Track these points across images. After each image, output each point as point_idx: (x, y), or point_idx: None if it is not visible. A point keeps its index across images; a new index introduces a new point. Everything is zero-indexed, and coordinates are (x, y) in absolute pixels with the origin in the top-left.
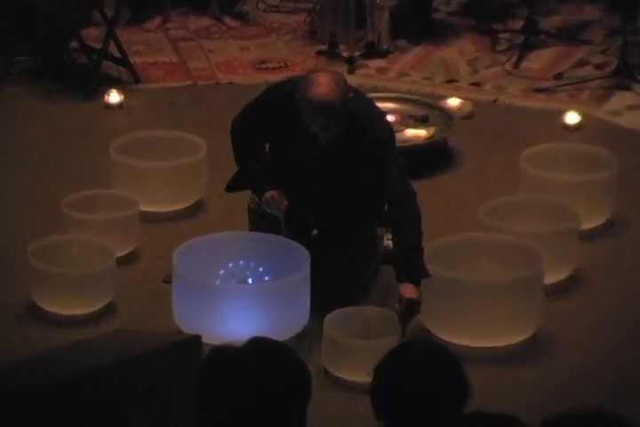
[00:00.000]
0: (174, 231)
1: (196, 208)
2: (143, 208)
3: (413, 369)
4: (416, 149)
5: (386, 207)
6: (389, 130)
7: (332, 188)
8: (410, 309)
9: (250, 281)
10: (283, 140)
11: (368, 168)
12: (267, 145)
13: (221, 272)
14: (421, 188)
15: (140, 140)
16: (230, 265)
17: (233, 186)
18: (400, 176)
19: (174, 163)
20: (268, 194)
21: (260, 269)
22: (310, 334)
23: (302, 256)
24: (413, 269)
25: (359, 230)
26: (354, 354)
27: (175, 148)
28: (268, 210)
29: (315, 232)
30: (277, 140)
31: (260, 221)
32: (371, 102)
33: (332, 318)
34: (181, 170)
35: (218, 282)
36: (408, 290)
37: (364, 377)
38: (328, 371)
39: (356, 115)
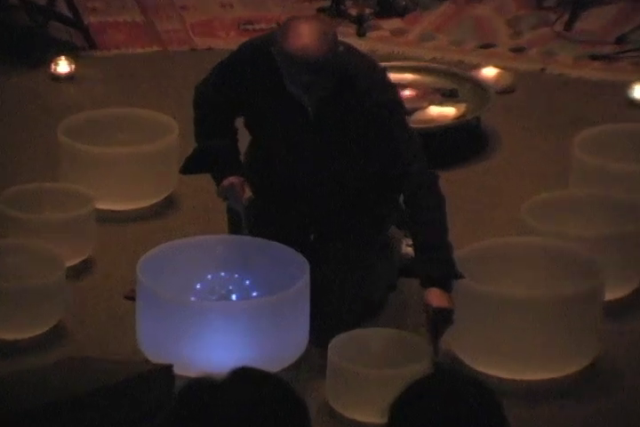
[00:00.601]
0: (138, 235)
1: (166, 206)
2: (99, 206)
3: (439, 408)
4: (442, 131)
5: (402, 200)
6: (395, 98)
7: (328, 172)
8: (440, 320)
9: (234, 297)
10: (261, 110)
11: (372, 145)
12: (239, 120)
13: (198, 286)
14: (448, 181)
15: (96, 121)
16: (209, 277)
17: (188, 167)
18: (415, 153)
19: (138, 149)
20: (227, 181)
21: (247, 282)
22: (310, 363)
23: (299, 266)
24: (440, 270)
25: (368, 232)
26: (364, 388)
27: (140, 130)
28: (224, 200)
29: (311, 236)
30: (254, 112)
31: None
32: (372, 63)
33: (338, 343)
34: (147, 158)
35: (193, 298)
36: (436, 297)
37: (376, 417)
38: (332, 409)
39: (350, 75)
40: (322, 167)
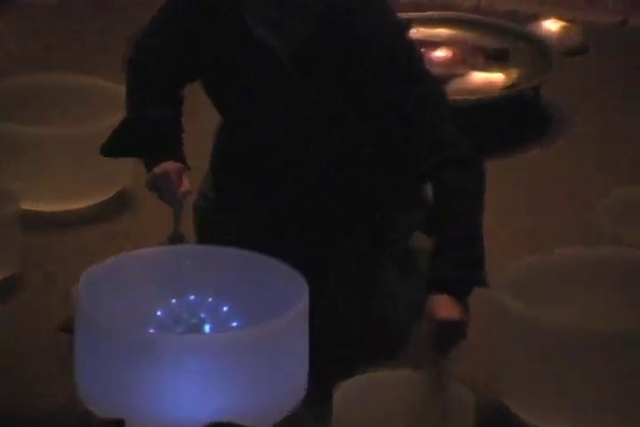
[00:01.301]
0: (79, 245)
1: (116, 206)
2: (26, 206)
3: None
4: (487, 104)
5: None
6: (406, 42)
7: (314, 141)
8: (447, 336)
9: (207, 329)
10: (221, 63)
11: (375, 107)
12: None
13: (158, 313)
14: (494, 171)
15: (20, 91)
16: (173, 302)
17: (112, 146)
18: (441, 117)
19: (79, 130)
20: (159, 168)
21: (225, 308)
22: (308, 417)
23: (295, 287)
24: (458, 271)
25: (375, 235)
26: None
27: (81, 103)
28: (154, 193)
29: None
30: (213, 66)
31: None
32: (380, 4)
33: (345, 390)
34: (92, 142)
35: (152, 330)
36: (443, 306)
37: None
38: None
39: (343, 12)
40: (306, 135)
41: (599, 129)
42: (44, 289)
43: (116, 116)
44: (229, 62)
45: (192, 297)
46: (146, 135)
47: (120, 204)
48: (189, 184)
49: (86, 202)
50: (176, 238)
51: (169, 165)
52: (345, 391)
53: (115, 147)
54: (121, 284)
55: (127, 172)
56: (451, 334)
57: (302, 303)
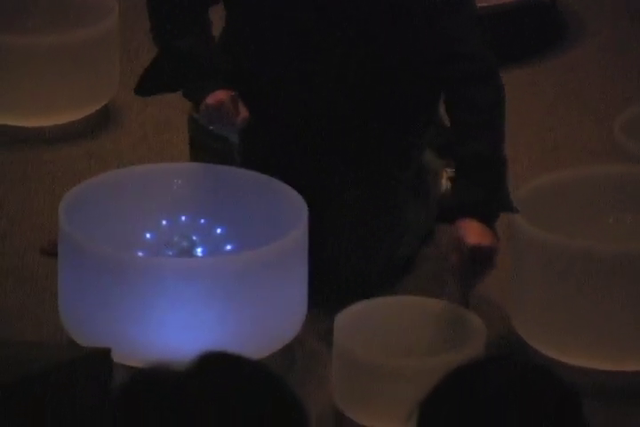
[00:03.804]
0: (61, 163)
1: (101, 121)
2: (4, 121)
3: (493, 409)
4: (501, 12)
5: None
6: None
7: (332, 60)
8: (477, 263)
9: (199, 252)
10: None
11: (398, 14)
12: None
13: (147, 236)
14: (508, 83)
15: None
16: (164, 223)
17: (148, 84)
18: (467, 26)
19: (59, 39)
20: (212, 97)
21: (218, 230)
22: (308, 347)
23: (294, 210)
24: (486, 194)
25: (391, 161)
26: (385, 383)
27: (64, 11)
28: (210, 126)
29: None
30: None
31: (205, 146)
32: None
33: (346, 320)
34: (75, 51)
35: (141, 253)
36: (474, 231)
37: (399, 423)
38: (340, 412)
39: None
40: (323, 52)
41: (619, 40)
42: (23, 212)
43: (100, 25)
44: None
45: (183, 218)
46: (187, 66)
47: (104, 119)
48: (245, 111)
49: (68, 117)
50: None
51: (221, 94)
52: (345, 322)
53: (152, 83)
54: (106, 205)
55: (112, 85)
56: (482, 261)
57: (302, 226)
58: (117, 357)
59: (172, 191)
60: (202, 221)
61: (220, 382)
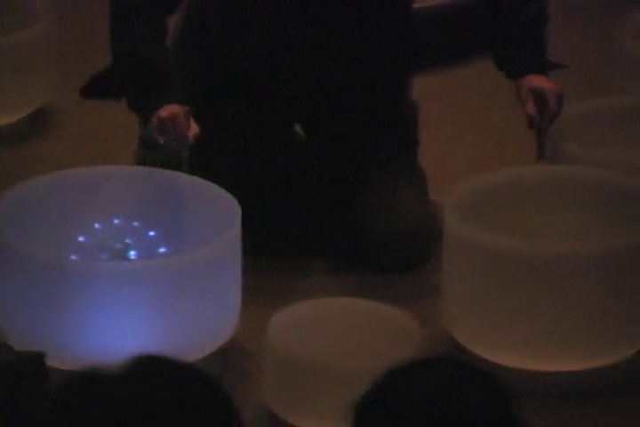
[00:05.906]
0: None
1: (32, 125)
2: None
3: (426, 409)
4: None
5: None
6: None
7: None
8: (548, 106)
9: (132, 255)
10: None
11: None
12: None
13: (80, 239)
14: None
15: None
16: (96, 227)
17: (96, 87)
18: None
19: None
20: (165, 110)
21: (151, 233)
22: (242, 350)
23: (229, 211)
24: (540, 50)
25: (397, 116)
26: (320, 385)
27: None
28: (159, 140)
29: (297, 127)
30: None
31: (152, 159)
32: None
33: (281, 319)
34: (2, 56)
35: (74, 257)
36: (542, 80)
37: (333, 424)
38: (274, 414)
39: None
40: (325, 35)
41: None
42: None
43: (29, 29)
44: None
45: (116, 221)
46: (141, 75)
47: (34, 124)
48: (196, 127)
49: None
50: None
51: (174, 108)
52: (280, 320)
53: (100, 87)
54: (39, 208)
55: (41, 90)
56: (555, 103)
57: (234, 229)
58: (52, 360)
59: (105, 194)
60: (135, 223)
61: (153, 385)
